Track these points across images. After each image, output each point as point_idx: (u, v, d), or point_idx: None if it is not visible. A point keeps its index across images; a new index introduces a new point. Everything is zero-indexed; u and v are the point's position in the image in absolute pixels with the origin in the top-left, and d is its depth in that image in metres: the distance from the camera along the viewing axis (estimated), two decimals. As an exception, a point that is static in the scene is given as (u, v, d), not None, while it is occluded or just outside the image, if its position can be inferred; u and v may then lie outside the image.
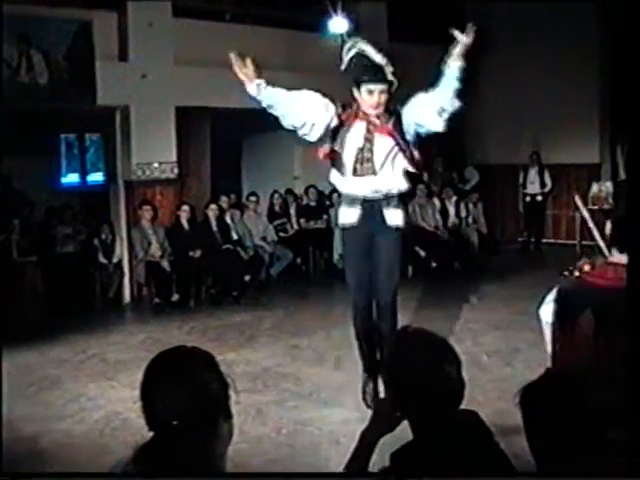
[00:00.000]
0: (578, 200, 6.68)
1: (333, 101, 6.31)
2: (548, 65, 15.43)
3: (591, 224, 6.04)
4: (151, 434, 2.42)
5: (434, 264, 13.84)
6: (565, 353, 3.90)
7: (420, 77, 15.06)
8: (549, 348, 4.39)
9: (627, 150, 15.07)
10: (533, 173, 15.89)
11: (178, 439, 2.33)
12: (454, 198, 14.63)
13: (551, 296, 4.43)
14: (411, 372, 2.62)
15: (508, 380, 6.92)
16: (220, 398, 2.45)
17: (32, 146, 14.60)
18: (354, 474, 2.89)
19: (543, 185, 15.83)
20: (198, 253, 11.71)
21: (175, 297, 11.40)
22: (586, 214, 6.21)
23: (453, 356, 2.71)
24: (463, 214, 14.58)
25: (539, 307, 4.68)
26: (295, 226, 13.77)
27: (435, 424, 2.61)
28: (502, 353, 7.95)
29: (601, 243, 6.48)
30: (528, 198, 16.05)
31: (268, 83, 6.12)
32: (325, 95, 6.28)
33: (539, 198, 15.93)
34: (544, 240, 16.21)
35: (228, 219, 12.49)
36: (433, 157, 15.79)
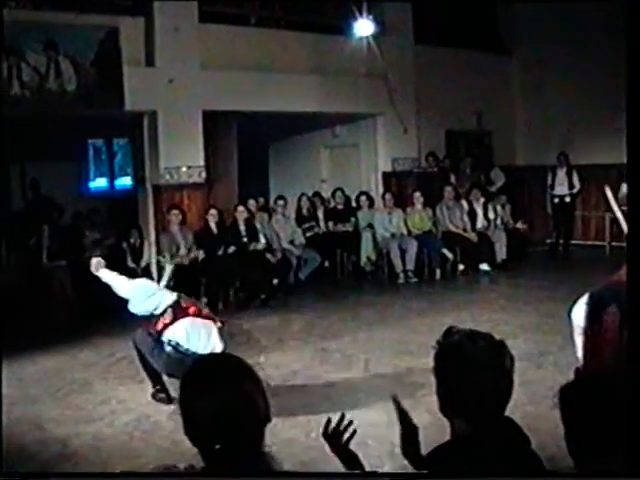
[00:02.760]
0: (608, 191, 6.58)
1: None
2: (576, 65, 15.35)
3: (620, 216, 5.95)
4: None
5: (462, 266, 13.80)
6: (595, 352, 3.88)
7: (445, 80, 15.19)
8: (579, 351, 4.37)
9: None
10: (561, 174, 15.76)
11: (228, 456, 2.30)
12: (482, 200, 14.54)
13: (583, 299, 4.41)
14: (470, 373, 2.56)
15: (538, 383, 6.88)
16: (264, 406, 2.43)
17: (60, 152, 14.73)
18: (358, 474, 2.87)
19: (571, 186, 15.71)
20: (232, 249, 11.72)
21: (203, 301, 11.41)
22: (615, 207, 6.12)
23: (509, 356, 2.67)
24: (491, 216, 14.49)
25: (571, 310, 4.66)
26: (323, 229, 13.77)
27: (479, 427, 2.56)
28: (532, 356, 7.90)
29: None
30: (557, 199, 15.92)
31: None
32: None
33: (568, 199, 15.81)
34: (573, 241, 16.09)
35: (257, 223, 12.50)
36: (461, 158, 15.74)
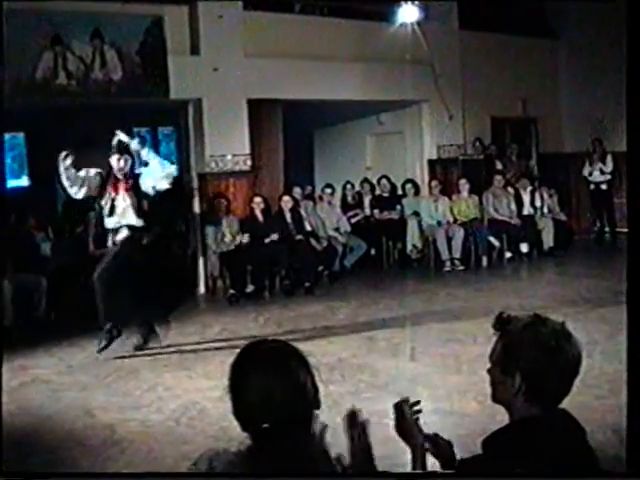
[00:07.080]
0: None
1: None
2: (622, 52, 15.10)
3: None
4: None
5: (508, 254, 13.68)
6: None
7: (491, 65, 15.04)
8: None
9: None
10: (596, 160, 15.38)
11: (277, 440, 2.31)
12: (529, 188, 14.41)
13: None
14: (546, 356, 2.51)
15: (586, 373, 6.80)
16: (313, 391, 2.43)
17: (106, 140, 14.80)
18: (364, 474, 2.84)
19: (604, 172, 15.29)
20: (275, 236, 11.70)
21: (250, 288, 11.43)
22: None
23: (575, 339, 2.63)
24: (538, 204, 14.35)
25: None
26: (367, 214, 13.75)
27: (544, 411, 2.51)
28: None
29: None
30: (592, 186, 15.57)
31: None
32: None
33: (604, 187, 15.41)
34: (618, 229, 15.77)
35: (302, 210, 12.49)
36: (507, 145, 15.60)
